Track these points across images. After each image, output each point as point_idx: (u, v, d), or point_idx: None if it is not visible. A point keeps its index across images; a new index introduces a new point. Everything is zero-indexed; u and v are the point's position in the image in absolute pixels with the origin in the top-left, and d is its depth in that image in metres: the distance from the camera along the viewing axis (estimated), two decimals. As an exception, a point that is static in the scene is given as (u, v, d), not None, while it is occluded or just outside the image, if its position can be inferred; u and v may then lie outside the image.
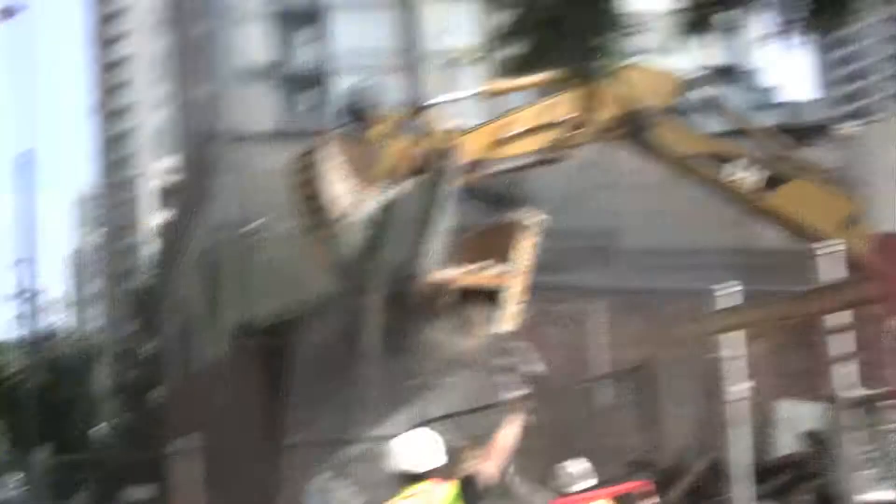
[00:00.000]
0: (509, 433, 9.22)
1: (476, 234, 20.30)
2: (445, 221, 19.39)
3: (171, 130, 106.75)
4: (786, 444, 20.06)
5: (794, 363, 22.23)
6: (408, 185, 20.60)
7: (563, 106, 20.80)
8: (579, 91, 20.46)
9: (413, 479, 8.90)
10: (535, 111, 21.04)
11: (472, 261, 20.04)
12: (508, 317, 19.92)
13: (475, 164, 20.33)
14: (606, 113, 20.89)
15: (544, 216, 20.76)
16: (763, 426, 25.36)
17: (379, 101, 20.87)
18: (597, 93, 20.28)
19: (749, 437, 14.81)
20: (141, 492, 41.13)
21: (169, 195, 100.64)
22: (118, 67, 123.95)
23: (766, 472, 17.43)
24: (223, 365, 27.18)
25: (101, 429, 46.95)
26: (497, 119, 21.19)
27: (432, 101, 20.99)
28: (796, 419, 20.64)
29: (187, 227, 32.23)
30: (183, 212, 33.32)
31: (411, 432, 9.31)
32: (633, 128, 21.19)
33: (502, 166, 20.91)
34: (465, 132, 20.86)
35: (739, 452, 13.78)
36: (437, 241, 19.33)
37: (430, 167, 20.23)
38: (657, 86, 21.26)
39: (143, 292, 51.24)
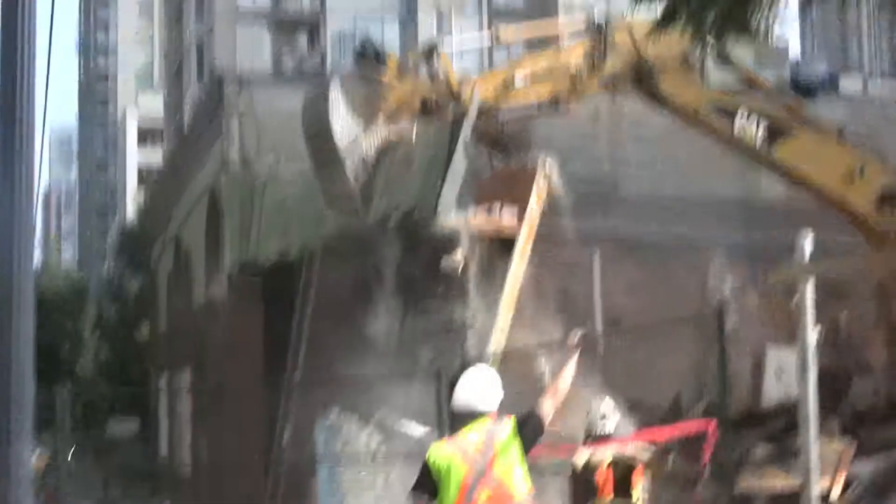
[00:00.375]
0: (566, 373, 9.48)
1: (490, 178, 20.51)
2: (463, 164, 19.62)
3: (158, 69, 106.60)
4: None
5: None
6: (413, 127, 20.96)
7: (572, 55, 21.08)
8: (588, 41, 20.93)
9: (473, 415, 9.18)
10: (545, 59, 21.22)
11: (486, 204, 20.28)
12: (519, 261, 20.21)
13: (482, 110, 20.57)
14: (615, 63, 21.15)
15: (558, 162, 21.01)
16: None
17: (387, 43, 21.14)
18: (605, 42, 20.79)
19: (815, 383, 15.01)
20: (124, 425, 41.30)
21: (149, 134, 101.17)
22: (104, 5, 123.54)
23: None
24: (221, 302, 27.36)
25: (85, 364, 47.12)
26: (506, 66, 21.44)
27: (441, 46, 21.08)
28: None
29: (187, 166, 32.35)
30: (182, 150, 33.41)
31: (472, 370, 9.54)
32: (640, 78, 21.38)
33: (509, 113, 21.19)
34: (473, 78, 21.16)
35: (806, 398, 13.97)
36: (455, 184, 19.57)
37: (436, 110, 20.59)
38: (668, 39, 21.43)
39: (130, 229, 51.33)
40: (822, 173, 20.48)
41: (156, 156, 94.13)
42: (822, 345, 25.78)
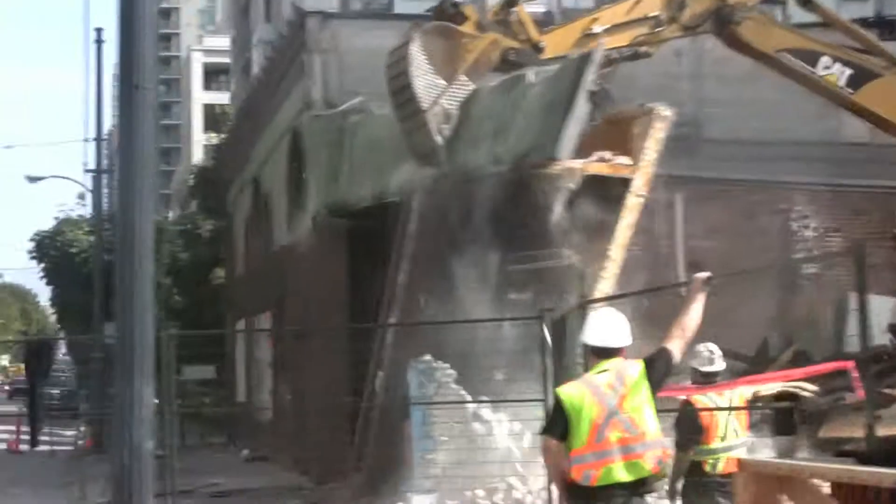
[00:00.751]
0: (693, 312, 9.54)
1: (601, 124, 20.56)
2: (585, 110, 19.71)
3: (220, 9, 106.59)
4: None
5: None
6: (493, 78, 21.18)
7: (650, 2, 21.13)
8: None
9: (606, 354, 9.28)
10: (623, 7, 21.32)
11: (595, 151, 20.47)
12: (634, 204, 20.39)
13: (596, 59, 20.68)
14: (695, 8, 21.15)
15: (671, 110, 21.16)
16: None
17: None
18: None
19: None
20: (200, 370, 41.64)
21: (214, 76, 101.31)
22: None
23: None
24: (306, 245, 27.47)
25: (162, 307, 47.43)
26: (584, 16, 21.53)
27: None
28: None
29: (265, 107, 32.39)
30: (260, 91, 33.44)
31: (602, 309, 9.65)
32: (720, 23, 21.36)
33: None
34: (553, 28, 21.39)
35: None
36: (576, 128, 19.68)
37: (517, 62, 20.72)
38: None
39: (202, 170, 51.47)
40: None
41: (221, 97, 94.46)
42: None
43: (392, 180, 22.30)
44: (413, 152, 21.24)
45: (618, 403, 9.03)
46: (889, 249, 29.59)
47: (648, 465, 8.99)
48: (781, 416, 8.06)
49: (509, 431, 19.48)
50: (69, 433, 42.32)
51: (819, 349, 23.74)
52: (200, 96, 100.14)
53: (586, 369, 9.45)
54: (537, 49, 20.63)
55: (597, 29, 20.85)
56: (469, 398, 19.76)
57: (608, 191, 20.24)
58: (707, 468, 11.29)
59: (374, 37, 27.15)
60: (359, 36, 27.18)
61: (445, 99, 20.69)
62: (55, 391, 61.46)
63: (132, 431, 10.97)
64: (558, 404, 9.15)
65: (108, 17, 19.13)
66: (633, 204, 20.32)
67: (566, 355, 14.68)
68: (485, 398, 19.34)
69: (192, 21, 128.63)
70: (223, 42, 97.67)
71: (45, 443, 41.72)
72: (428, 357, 20.01)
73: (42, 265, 49.93)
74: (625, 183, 20.45)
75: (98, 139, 43.18)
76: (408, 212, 21.76)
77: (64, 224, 51.12)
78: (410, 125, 20.77)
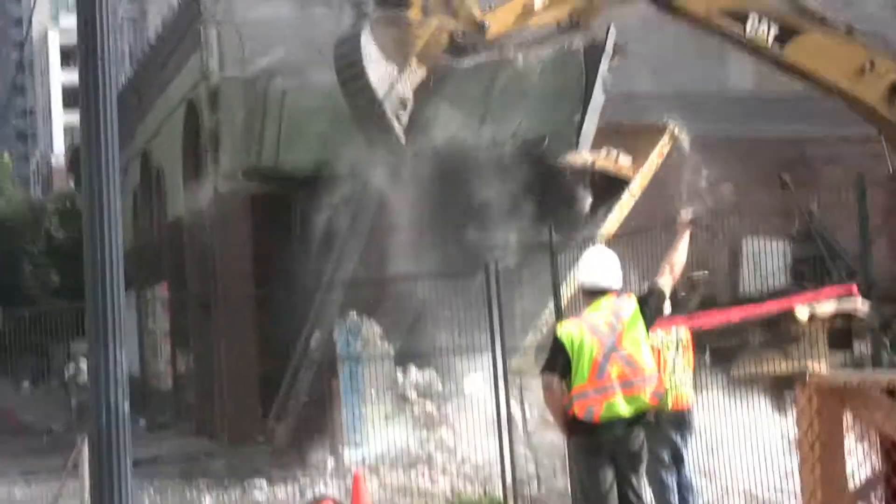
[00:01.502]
0: (680, 250, 9.60)
1: (613, 127, 20.89)
2: (602, 99, 20.03)
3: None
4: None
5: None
6: (443, 63, 21.25)
7: None
8: None
9: (600, 292, 9.28)
10: None
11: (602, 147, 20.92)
12: (628, 200, 20.79)
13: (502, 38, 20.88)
14: None
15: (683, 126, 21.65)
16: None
17: None
18: None
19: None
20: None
21: (71, 54, 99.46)
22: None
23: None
24: (207, 213, 27.02)
25: (50, 287, 46.61)
26: None
27: None
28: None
29: (153, 81, 31.85)
30: (152, 64, 32.78)
31: (596, 249, 9.65)
32: None
33: (532, 36, 21.43)
34: (495, 8, 21.13)
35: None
36: (594, 118, 19.95)
37: (462, 43, 20.80)
38: None
39: (77, 148, 50.36)
40: (832, 70, 20.96)
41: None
42: (798, 234, 26.44)
43: (341, 154, 21.93)
44: (369, 139, 21.15)
45: (616, 340, 9.10)
46: (776, 194, 30.25)
47: (647, 398, 9.05)
48: (837, 333, 8.13)
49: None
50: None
51: (720, 295, 24.12)
52: (59, 75, 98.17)
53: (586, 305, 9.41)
54: (481, 29, 20.66)
55: (536, 5, 20.90)
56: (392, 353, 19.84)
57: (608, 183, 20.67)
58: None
59: (269, 7, 26.89)
60: (253, 7, 26.82)
61: (399, 85, 20.63)
62: None
63: (109, 394, 10.71)
64: (558, 342, 9.15)
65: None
66: (625, 202, 20.75)
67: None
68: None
69: (43, 1, 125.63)
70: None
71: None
72: (354, 314, 19.96)
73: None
74: (621, 181, 20.85)
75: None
76: (364, 186, 21.57)
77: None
78: (365, 113, 20.71)
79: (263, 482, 18.76)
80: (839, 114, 25.27)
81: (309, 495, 17.31)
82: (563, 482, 14.28)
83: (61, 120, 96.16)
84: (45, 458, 24.93)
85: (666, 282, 9.48)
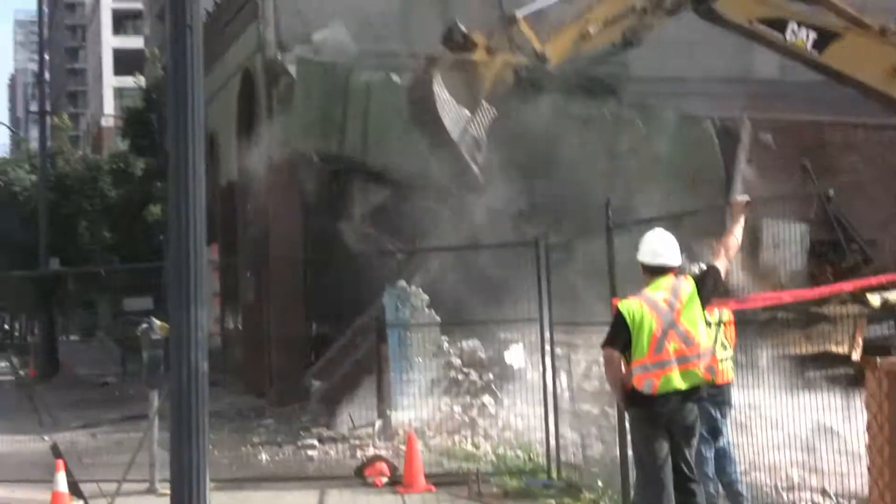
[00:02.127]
0: (736, 233, 9.83)
1: None
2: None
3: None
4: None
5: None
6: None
7: None
8: None
9: (661, 272, 9.52)
10: (610, 5, 21.70)
11: None
12: None
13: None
14: None
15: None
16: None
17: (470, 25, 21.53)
18: None
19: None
20: (139, 301, 41.29)
21: (124, 21, 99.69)
22: None
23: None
24: (258, 182, 27.26)
25: (103, 243, 46.99)
26: (576, 18, 21.56)
27: (518, 14, 21.34)
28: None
29: (215, 47, 32.00)
30: (209, 32, 32.90)
31: (657, 231, 9.84)
32: (698, 3, 21.68)
33: (591, 59, 22.02)
34: (550, 36, 21.37)
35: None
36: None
37: (528, 77, 21.27)
38: None
39: (133, 111, 50.68)
40: (867, 72, 21.29)
41: (134, 41, 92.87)
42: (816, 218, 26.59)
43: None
44: (449, 179, 21.42)
45: (674, 318, 9.33)
46: (798, 178, 30.41)
47: (702, 373, 9.29)
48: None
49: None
50: (2, 364, 42.00)
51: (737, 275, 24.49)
52: (110, 41, 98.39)
53: (647, 284, 9.61)
54: (542, 59, 21.07)
55: (591, 29, 21.18)
56: (438, 320, 20.11)
57: None
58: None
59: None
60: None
61: (472, 127, 21.00)
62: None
63: (190, 354, 11.02)
64: (620, 318, 9.38)
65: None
66: None
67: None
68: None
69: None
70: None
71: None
72: (402, 283, 20.20)
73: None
74: None
75: (40, 83, 42.37)
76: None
77: (4, 164, 50.34)
78: (443, 155, 20.97)
79: (315, 441, 19.02)
80: (856, 101, 25.49)
81: (359, 455, 17.57)
82: (598, 449, 14.50)
83: (111, 83, 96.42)
84: (103, 409, 25.34)
85: (721, 264, 9.69)
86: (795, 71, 28.87)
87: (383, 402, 19.41)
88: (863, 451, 8.95)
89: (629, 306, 9.42)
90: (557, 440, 14.82)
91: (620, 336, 9.33)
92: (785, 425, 11.11)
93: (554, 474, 14.63)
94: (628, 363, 9.34)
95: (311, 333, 25.95)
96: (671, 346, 9.24)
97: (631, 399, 9.37)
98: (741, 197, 10.14)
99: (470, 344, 20.03)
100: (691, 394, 9.31)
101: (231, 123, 30.61)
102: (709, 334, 11.03)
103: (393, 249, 21.50)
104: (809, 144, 30.41)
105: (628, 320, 9.31)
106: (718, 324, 11.30)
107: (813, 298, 11.75)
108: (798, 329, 16.94)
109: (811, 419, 11.26)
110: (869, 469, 5.31)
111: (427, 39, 27.17)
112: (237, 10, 29.42)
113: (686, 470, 9.28)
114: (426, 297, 20.19)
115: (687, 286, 9.45)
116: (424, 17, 27.63)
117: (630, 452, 10.46)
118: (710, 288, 9.56)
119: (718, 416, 11.14)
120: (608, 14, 21.40)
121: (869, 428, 5.28)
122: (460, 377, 19.66)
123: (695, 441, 9.45)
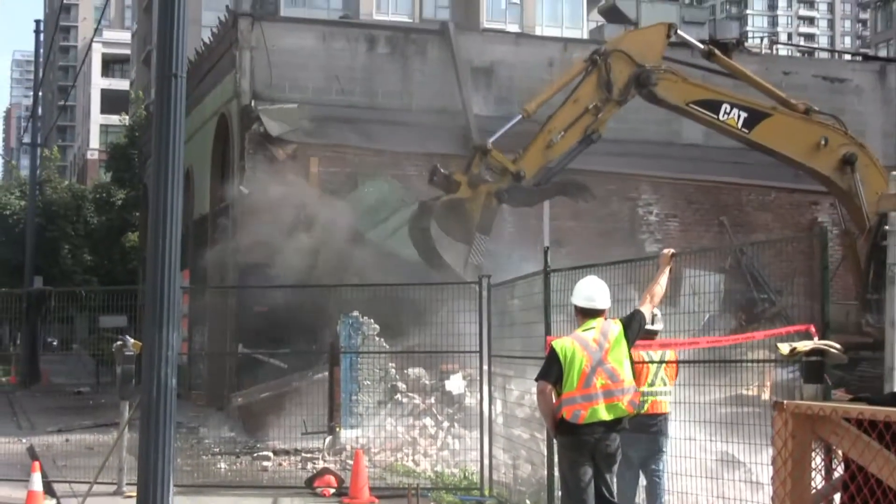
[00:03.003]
0: (661, 282, 9.88)
1: None
2: None
3: (114, 8, 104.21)
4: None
5: None
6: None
7: (585, 96, 21.90)
8: (593, 75, 21.48)
9: (592, 314, 9.56)
10: (566, 112, 22.01)
11: None
12: None
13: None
14: (619, 82, 21.62)
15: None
16: None
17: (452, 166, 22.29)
18: (608, 69, 21.32)
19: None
20: (114, 319, 40.77)
21: (112, 65, 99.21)
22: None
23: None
24: (238, 208, 27.11)
25: (83, 265, 46.58)
26: (540, 131, 21.99)
27: (489, 142, 21.77)
28: None
29: (196, 92, 31.96)
30: (191, 78, 32.85)
31: (591, 277, 9.91)
32: (640, 85, 21.95)
33: (560, 163, 22.14)
34: (521, 154, 21.80)
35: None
36: None
37: (510, 197, 21.84)
38: (648, 42, 22.15)
39: (115, 146, 50.40)
40: (792, 147, 21.70)
41: (120, 84, 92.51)
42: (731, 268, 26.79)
43: None
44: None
45: (603, 356, 9.39)
46: (715, 233, 30.80)
47: (625, 406, 9.32)
48: (811, 367, 8.38)
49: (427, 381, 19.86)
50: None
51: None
52: (99, 82, 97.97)
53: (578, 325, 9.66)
54: (518, 178, 21.43)
55: (556, 138, 21.51)
56: (387, 348, 20.05)
57: None
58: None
59: (295, 38, 27.17)
60: (282, 37, 27.11)
61: (472, 257, 21.57)
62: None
63: (160, 371, 10.95)
64: (554, 354, 9.42)
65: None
66: None
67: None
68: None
69: (88, 16, 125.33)
70: (120, 35, 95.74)
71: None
72: (356, 313, 20.15)
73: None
74: None
75: (33, 117, 42.06)
76: None
77: (-5, 190, 50.11)
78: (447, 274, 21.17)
79: (270, 454, 18.89)
80: (770, 166, 25.83)
81: (309, 467, 17.47)
82: (527, 470, 14.48)
83: (98, 120, 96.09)
84: (77, 416, 25.02)
85: (646, 309, 9.75)
86: (719, 138, 29.30)
87: (333, 420, 19.32)
88: (764, 480, 9.03)
89: (562, 344, 9.45)
90: (491, 461, 14.83)
91: (553, 370, 9.36)
92: (697, 455, 11.13)
93: (486, 492, 14.62)
94: (559, 395, 9.36)
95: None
96: (598, 382, 9.28)
97: (560, 428, 9.38)
98: (667, 250, 10.21)
99: (415, 371, 20.02)
100: (615, 425, 9.33)
101: (206, 162, 30.56)
102: (651, 370, 11.10)
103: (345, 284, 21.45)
104: (728, 203, 30.85)
105: (561, 357, 9.34)
106: (661, 362, 11.34)
107: (726, 344, 11.86)
108: (713, 370, 17.06)
109: (720, 450, 11.30)
110: (772, 499, 5.35)
111: (387, 95, 27.44)
112: (216, 61, 29.42)
113: (607, 494, 9.30)
114: (377, 326, 20.20)
115: (615, 328, 9.49)
116: (386, 74, 27.83)
117: (557, 474, 10.48)
118: (635, 331, 9.61)
119: (653, 444, 11.15)
120: (566, 121, 21.82)
121: (774, 462, 5.32)
122: (405, 400, 19.65)
123: (615, 468, 9.46)
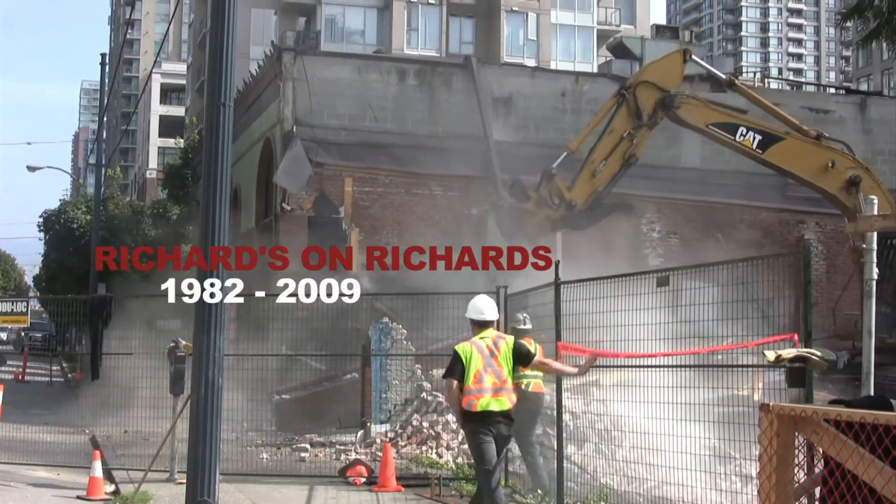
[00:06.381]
0: (564, 370, 11.20)
1: None
2: None
3: (172, 41, 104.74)
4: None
5: None
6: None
7: (619, 125, 22.12)
8: (622, 109, 21.64)
9: (484, 325, 10.57)
10: (605, 143, 22.28)
11: None
12: None
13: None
14: (647, 107, 21.74)
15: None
16: None
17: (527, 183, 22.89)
18: (636, 99, 21.45)
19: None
20: (170, 324, 40.97)
21: (170, 93, 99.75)
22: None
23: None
24: (280, 223, 27.15)
25: (142, 275, 46.76)
26: (584, 164, 22.36)
27: (553, 171, 22.15)
28: None
29: (244, 118, 32.11)
30: (239, 106, 32.99)
31: (482, 295, 10.99)
32: (665, 108, 22.04)
33: (607, 188, 22.42)
34: (573, 183, 22.17)
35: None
36: None
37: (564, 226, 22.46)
38: (667, 69, 22.20)
39: (171, 166, 50.59)
40: (803, 168, 21.73)
41: (177, 110, 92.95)
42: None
43: None
44: None
45: (493, 360, 10.35)
46: (712, 248, 30.68)
47: (507, 402, 10.30)
48: (794, 373, 8.42)
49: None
50: (54, 368, 41.51)
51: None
52: (158, 109, 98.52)
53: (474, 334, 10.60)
54: (571, 206, 21.89)
55: (600, 168, 21.94)
56: (414, 351, 20.04)
57: None
58: (522, 386, 13.01)
59: (333, 70, 27.22)
60: (322, 70, 27.21)
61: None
62: (38, 335, 59.50)
63: (208, 371, 10.99)
64: (457, 356, 10.40)
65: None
66: None
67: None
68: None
69: (149, 49, 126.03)
70: (177, 67, 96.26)
71: (36, 375, 40.82)
72: (386, 319, 20.16)
73: (46, 236, 49.30)
74: None
75: (98, 140, 42.32)
76: None
77: (65, 205, 50.26)
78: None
79: (307, 446, 18.90)
80: (761, 188, 25.67)
81: (342, 458, 17.46)
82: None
83: (156, 143, 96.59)
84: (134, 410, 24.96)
85: (541, 357, 11.19)
86: (715, 161, 29.20)
87: (364, 416, 19.34)
88: (754, 473, 8.99)
89: (463, 347, 10.43)
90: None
91: (457, 369, 10.32)
92: (694, 451, 11.10)
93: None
94: (461, 390, 10.22)
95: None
96: (488, 380, 10.24)
97: (465, 416, 10.29)
98: (588, 362, 10.79)
99: (439, 372, 19.96)
100: (503, 414, 10.25)
101: (252, 181, 30.64)
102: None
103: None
104: (723, 221, 30.75)
105: (463, 358, 10.33)
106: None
107: (722, 350, 11.88)
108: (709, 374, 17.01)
109: (714, 446, 11.27)
110: (758, 492, 5.34)
111: (415, 122, 27.46)
112: (262, 90, 29.53)
113: (502, 465, 10.65)
114: (405, 331, 20.19)
115: (506, 342, 10.49)
116: (414, 103, 27.89)
117: (565, 465, 10.87)
118: (524, 358, 10.54)
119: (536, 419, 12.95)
120: (606, 151, 22.06)
121: (760, 458, 5.31)
122: (429, 398, 19.64)
123: (507, 446, 10.61)
